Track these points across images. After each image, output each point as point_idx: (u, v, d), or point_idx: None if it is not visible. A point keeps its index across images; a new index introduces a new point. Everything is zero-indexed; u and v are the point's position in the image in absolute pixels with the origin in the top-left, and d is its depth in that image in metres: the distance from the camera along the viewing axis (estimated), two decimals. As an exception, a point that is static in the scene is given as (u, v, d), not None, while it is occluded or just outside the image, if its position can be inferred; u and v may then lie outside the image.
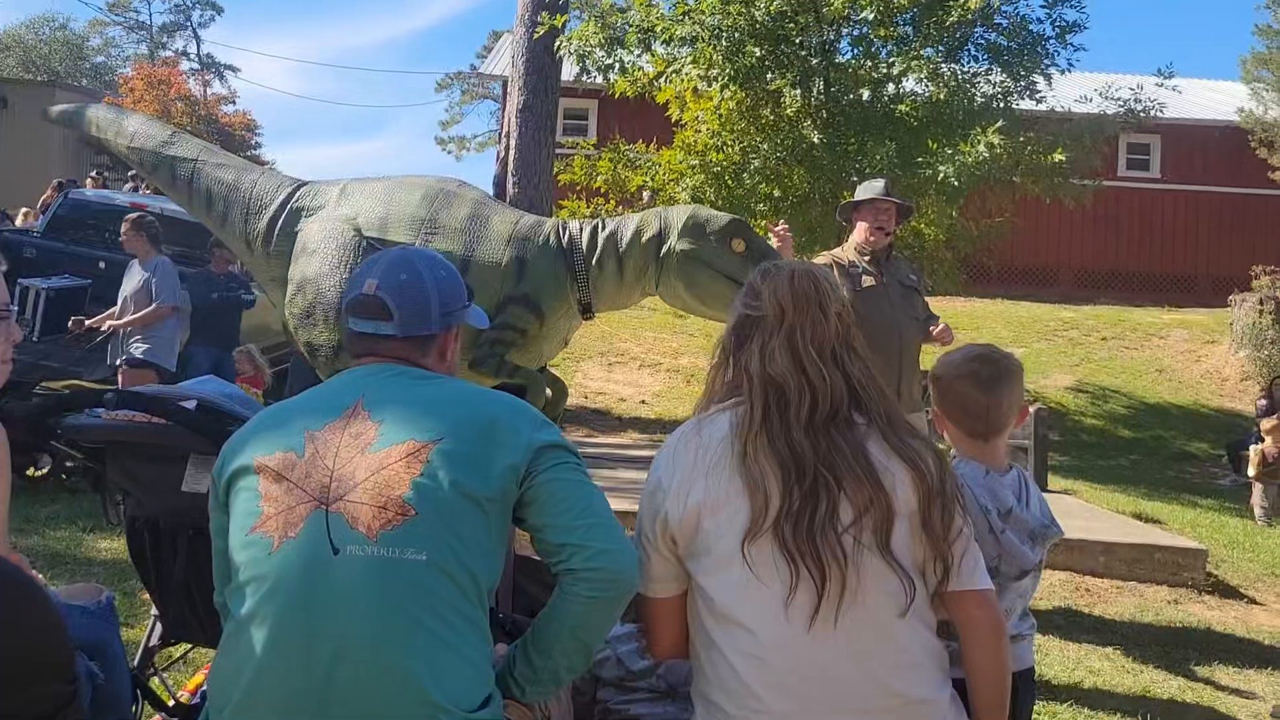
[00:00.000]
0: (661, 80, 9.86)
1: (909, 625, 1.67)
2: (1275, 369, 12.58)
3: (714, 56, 9.06)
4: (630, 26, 9.59)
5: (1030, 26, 9.79)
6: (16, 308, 1.89)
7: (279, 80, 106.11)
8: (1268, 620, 5.32)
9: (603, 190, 10.52)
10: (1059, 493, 7.88)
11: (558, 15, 10.52)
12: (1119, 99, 10.48)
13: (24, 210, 14.17)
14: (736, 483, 1.70)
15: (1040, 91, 9.94)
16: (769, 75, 9.41)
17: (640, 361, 12.48)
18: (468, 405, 1.78)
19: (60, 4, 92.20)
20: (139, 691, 2.32)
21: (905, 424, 1.78)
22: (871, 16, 9.30)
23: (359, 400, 1.76)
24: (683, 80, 9.51)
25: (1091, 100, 10.65)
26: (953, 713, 1.72)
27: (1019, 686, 1.93)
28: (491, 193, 13.11)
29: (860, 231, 4.53)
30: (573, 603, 1.69)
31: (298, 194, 4.92)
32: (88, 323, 7.41)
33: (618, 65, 9.85)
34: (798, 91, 9.27)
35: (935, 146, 8.94)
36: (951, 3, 8.94)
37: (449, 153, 47.50)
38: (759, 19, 9.16)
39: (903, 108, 9.64)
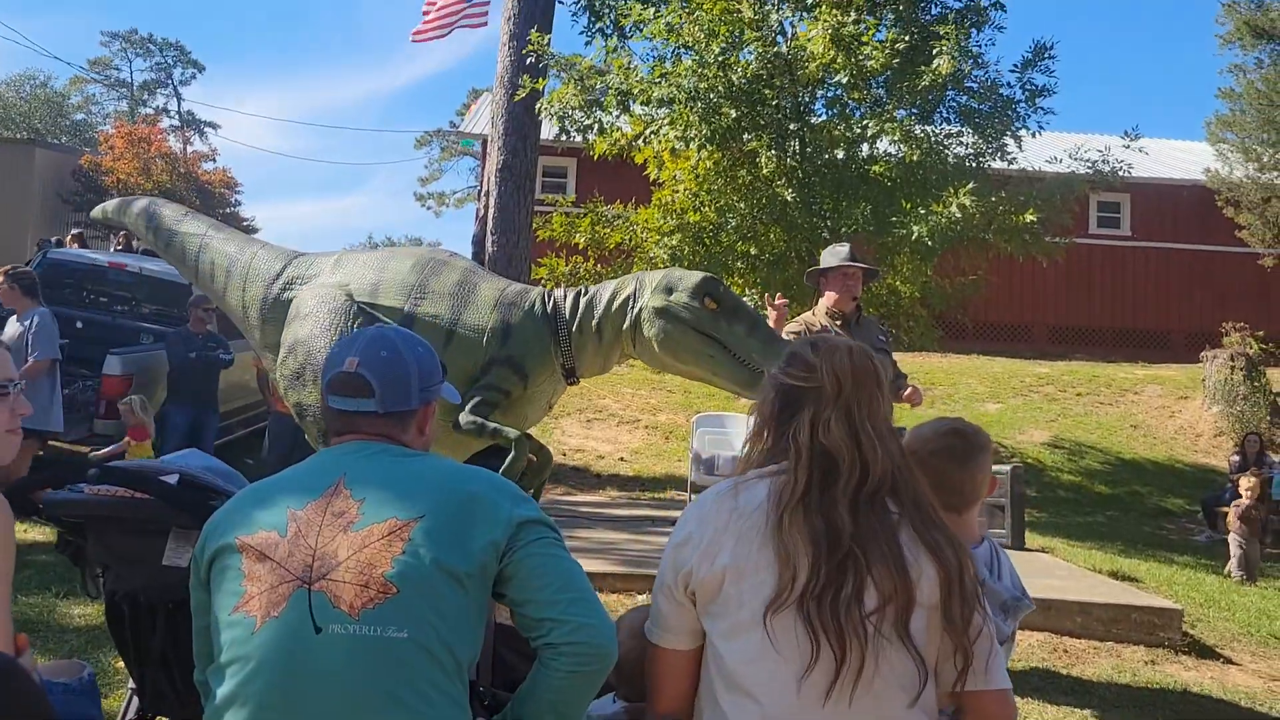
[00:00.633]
0: (639, 141, 10.01)
1: (915, 715, 1.68)
2: (1248, 425, 12.74)
3: (691, 118, 9.22)
4: (609, 89, 9.76)
5: (1001, 90, 10.02)
6: (24, 383, 1.90)
7: (259, 137, 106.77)
8: (1244, 681, 5.34)
9: (580, 247, 10.61)
10: (1036, 551, 7.91)
11: (538, 79, 10.69)
12: (1088, 160, 10.71)
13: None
14: (767, 553, 1.71)
15: (1011, 153, 10.16)
16: (745, 136, 9.59)
17: (619, 418, 12.49)
18: (448, 482, 1.80)
19: (41, 61, 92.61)
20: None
21: (931, 512, 1.79)
22: (845, 80, 9.49)
23: (340, 479, 1.78)
24: (660, 141, 9.67)
25: (1061, 161, 10.88)
26: None
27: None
28: (471, 250, 13.21)
29: (830, 299, 4.62)
30: (553, 677, 1.70)
31: (293, 263, 5.06)
32: None
33: (596, 126, 10.01)
34: (773, 152, 9.43)
35: (909, 206, 9.10)
36: (923, 67, 9.15)
37: (428, 209, 47.82)
38: (735, 81, 9.35)
39: (877, 168, 9.82)
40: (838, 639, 1.64)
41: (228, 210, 33.62)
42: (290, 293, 4.91)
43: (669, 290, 4.53)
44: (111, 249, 12.80)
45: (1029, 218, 9.39)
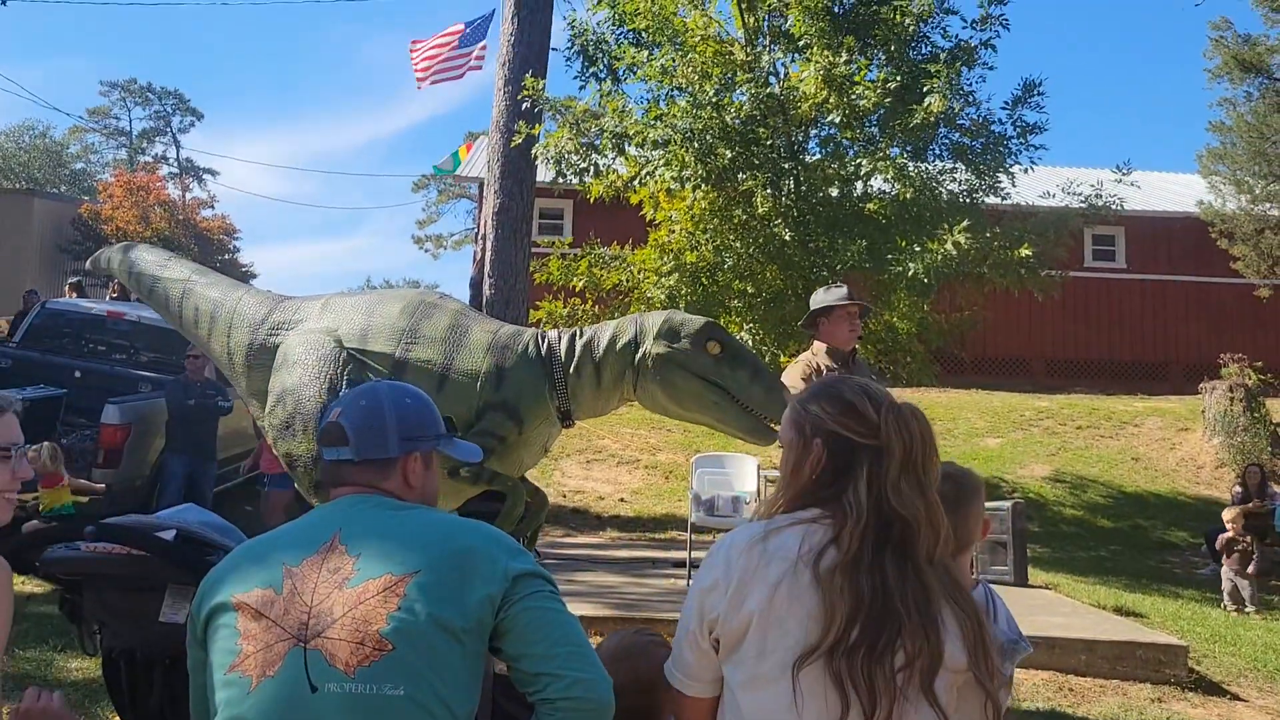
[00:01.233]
0: (635, 182, 10.08)
1: None
2: (1249, 456, 12.71)
3: (686, 158, 9.30)
4: (604, 132, 9.84)
5: (993, 127, 10.12)
6: (28, 446, 1.90)
7: (257, 183, 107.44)
8: (1251, 717, 5.30)
9: (576, 289, 10.65)
10: (1039, 587, 7.87)
11: (534, 124, 10.78)
12: (1081, 194, 10.78)
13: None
14: (799, 605, 1.68)
15: (1004, 188, 10.23)
16: (740, 176, 9.66)
17: (618, 459, 12.46)
18: (443, 536, 1.80)
19: (41, 112, 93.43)
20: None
21: (953, 573, 1.80)
22: (838, 119, 9.59)
23: (336, 534, 1.78)
24: (656, 182, 9.74)
25: (1054, 195, 10.95)
26: None
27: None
28: (469, 293, 13.25)
29: (837, 337, 4.62)
30: None
31: (279, 308, 4.97)
32: None
33: (592, 169, 10.09)
34: (769, 191, 9.50)
35: (904, 243, 9.15)
36: (915, 105, 9.24)
37: (426, 251, 48.03)
38: (729, 122, 9.44)
39: (871, 206, 9.89)
40: (869, 696, 1.63)
41: (226, 256, 33.77)
42: (276, 338, 4.82)
43: (671, 336, 4.51)
44: (107, 297, 12.84)
45: (1024, 252, 9.43)
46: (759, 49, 10.16)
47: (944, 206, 9.79)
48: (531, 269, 11.40)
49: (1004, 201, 10.37)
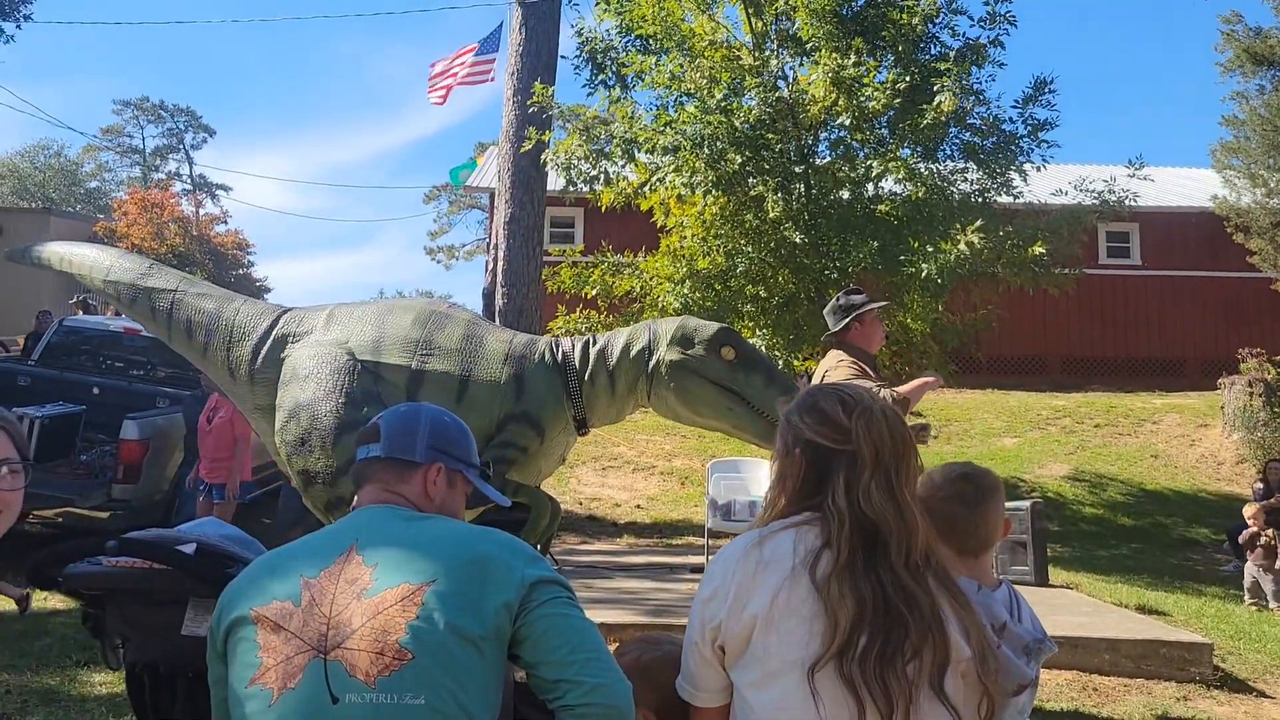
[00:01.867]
0: (645, 188, 10.08)
1: None
2: (1269, 451, 12.61)
3: (696, 164, 9.29)
4: (614, 138, 9.85)
5: (1003, 126, 10.08)
6: (25, 461, 1.91)
7: (270, 198, 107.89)
8: (1278, 714, 5.25)
9: (588, 297, 10.66)
10: (1061, 587, 7.82)
11: (544, 131, 10.81)
12: (1093, 190, 10.73)
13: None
14: (801, 608, 1.71)
15: (1016, 187, 10.19)
16: (750, 180, 9.64)
17: (634, 465, 12.46)
18: (459, 544, 1.80)
19: (55, 132, 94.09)
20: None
21: (948, 573, 1.84)
22: (848, 121, 9.57)
23: (353, 545, 1.79)
24: (666, 188, 9.74)
25: (1066, 193, 10.90)
26: None
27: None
28: (482, 304, 13.27)
29: (873, 341, 4.57)
30: None
31: (281, 320, 4.84)
32: None
33: (602, 176, 10.09)
34: (779, 195, 9.48)
35: (916, 245, 9.13)
36: (925, 106, 9.21)
37: (438, 262, 48.15)
38: (738, 127, 9.43)
39: (883, 207, 9.86)
40: (884, 699, 1.66)
41: (241, 271, 33.93)
42: (282, 351, 4.69)
43: (685, 342, 4.48)
44: (108, 313, 12.92)
45: (1037, 250, 9.40)
46: (767, 53, 10.15)
47: (956, 206, 9.76)
48: (544, 277, 11.42)
49: (1016, 200, 10.32)
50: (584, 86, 10.75)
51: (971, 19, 10.17)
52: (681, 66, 9.82)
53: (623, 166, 10.11)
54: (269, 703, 1.65)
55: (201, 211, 41.29)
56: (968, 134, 10.08)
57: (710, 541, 8.09)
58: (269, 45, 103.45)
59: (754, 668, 1.73)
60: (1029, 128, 10.11)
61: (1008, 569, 7.53)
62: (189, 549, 2.18)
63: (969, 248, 8.74)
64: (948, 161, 10.19)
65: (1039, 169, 10.14)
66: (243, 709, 1.68)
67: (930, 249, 8.94)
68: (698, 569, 7.65)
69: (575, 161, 10.07)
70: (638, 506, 11.21)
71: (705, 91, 9.57)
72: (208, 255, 31.61)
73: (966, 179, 10.10)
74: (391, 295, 57.05)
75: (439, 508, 1.95)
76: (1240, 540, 9.07)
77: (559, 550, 8.67)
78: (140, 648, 2.26)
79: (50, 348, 9.86)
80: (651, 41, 10.26)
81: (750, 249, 9.71)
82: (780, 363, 9.52)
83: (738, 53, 10.20)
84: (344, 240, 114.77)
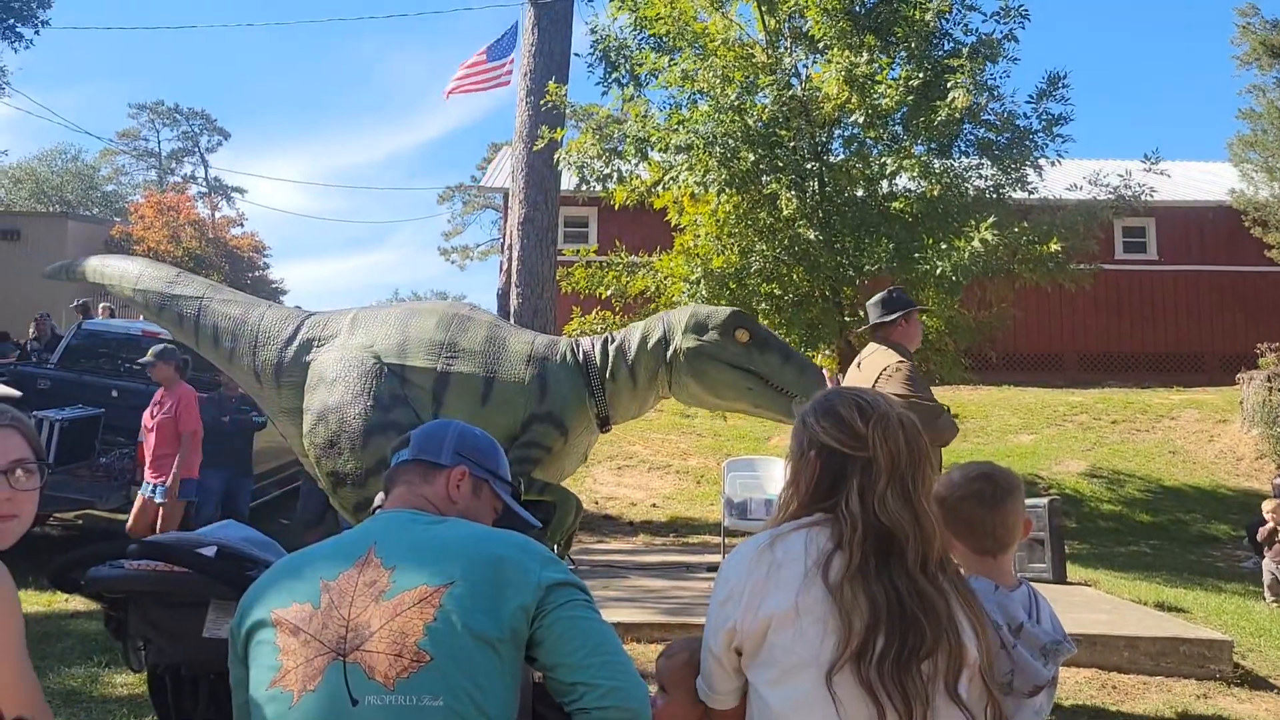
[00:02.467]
0: (659, 187, 10.09)
1: None
2: (1289, 446, 12.53)
3: (709, 163, 9.29)
4: (627, 137, 9.85)
5: (1017, 121, 10.04)
6: (41, 461, 1.92)
7: (285, 200, 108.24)
8: (1301, 711, 5.21)
9: (602, 297, 10.68)
10: (1079, 584, 7.79)
11: (556, 129, 10.82)
12: (1109, 185, 10.67)
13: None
14: (816, 609, 1.73)
15: (1031, 183, 10.14)
16: (764, 178, 9.63)
17: (649, 464, 12.46)
18: (476, 546, 1.82)
19: (72, 136, 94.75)
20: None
21: (956, 571, 1.87)
22: (861, 118, 9.55)
23: (371, 547, 1.81)
24: (680, 187, 9.73)
25: (1082, 188, 10.85)
26: None
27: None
28: (496, 304, 13.30)
29: (916, 338, 4.59)
30: None
31: (306, 324, 4.93)
32: None
33: (616, 175, 10.10)
34: (793, 193, 9.46)
35: (931, 242, 9.10)
36: (939, 102, 9.18)
37: (453, 263, 48.19)
38: (751, 125, 9.42)
39: (897, 204, 9.84)
40: (903, 702, 1.68)
41: (256, 273, 34.09)
42: (307, 355, 4.77)
43: (700, 329, 4.56)
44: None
45: (1053, 247, 9.35)
46: (780, 51, 10.14)
47: (970, 203, 9.73)
48: (558, 277, 11.44)
49: (1031, 196, 10.28)
50: (598, 84, 10.76)
51: (984, 14, 10.16)
52: (694, 65, 9.81)
53: (636, 165, 10.12)
54: (289, 705, 1.66)
55: (217, 214, 41.49)
56: (982, 130, 10.03)
57: (726, 540, 8.09)
58: (282, 48, 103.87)
59: (770, 666, 1.75)
60: (1043, 123, 10.06)
61: (1025, 566, 7.50)
62: (209, 552, 2.20)
63: (983, 245, 8.70)
64: (962, 158, 10.15)
65: (1054, 164, 10.09)
66: (263, 711, 1.69)
67: (944, 246, 8.91)
68: (714, 568, 7.65)
69: (589, 160, 10.08)
70: (653, 505, 11.21)
71: (718, 90, 9.56)
72: (224, 258, 31.77)
73: (981, 175, 10.06)
74: (407, 296, 57.23)
75: (462, 513, 1.97)
76: (1259, 536, 9.01)
77: (575, 549, 8.69)
78: (162, 650, 2.28)
79: (69, 351, 9.94)
80: (665, 40, 10.26)
81: (764, 247, 9.70)
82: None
83: (751, 50, 10.19)
84: (359, 242, 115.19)
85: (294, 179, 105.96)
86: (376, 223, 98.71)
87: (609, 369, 4.64)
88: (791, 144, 9.71)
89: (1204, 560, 10.31)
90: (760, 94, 9.80)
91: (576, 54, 11.98)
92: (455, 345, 4.60)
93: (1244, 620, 7.21)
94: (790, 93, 9.65)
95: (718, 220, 10.11)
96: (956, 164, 10.03)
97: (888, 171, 9.53)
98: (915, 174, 9.43)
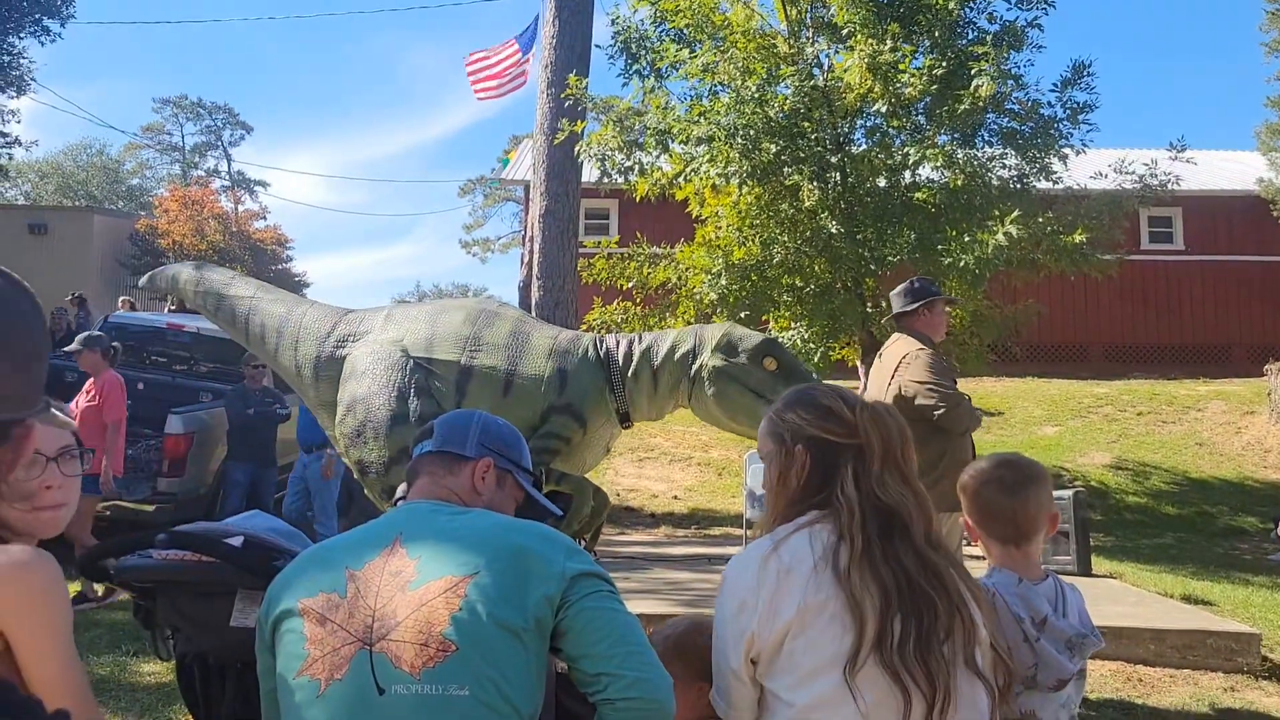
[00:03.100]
0: (680, 179, 10.06)
1: None
2: (1317, 437, 12.39)
3: (731, 154, 9.25)
4: (648, 129, 9.83)
5: (1042, 110, 9.93)
6: (78, 449, 1.95)
7: (307, 193, 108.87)
8: (1330, 704, 5.16)
9: (623, 289, 10.68)
10: (1104, 576, 7.74)
11: (577, 121, 10.81)
12: (1134, 174, 10.56)
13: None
14: (829, 605, 1.73)
15: (1056, 172, 10.03)
16: (786, 170, 9.58)
17: (670, 456, 12.47)
18: (501, 536, 1.82)
19: (97, 130, 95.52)
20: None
21: (951, 550, 1.93)
22: (884, 108, 9.48)
23: (397, 538, 1.82)
24: (701, 178, 9.70)
25: (1107, 177, 10.73)
26: None
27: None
28: (518, 296, 13.33)
29: (940, 329, 4.59)
30: None
31: (343, 321, 5.13)
32: None
33: (637, 167, 10.09)
34: (815, 184, 9.42)
35: (954, 234, 9.03)
36: (962, 91, 9.11)
37: (474, 255, 48.33)
38: (773, 116, 9.37)
39: (920, 195, 9.77)
40: (927, 682, 1.68)
41: (279, 267, 34.27)
42: (343, 350, 4.96)
43: (729, 350, 4.61)
44: (165, 309, 13.10)
45: (1078, 238, 9.27)
46: (802, 41, 10.08)
47: (994, 193, 9.65)
48: (579, 269, 11.44)
49: (1056, 186, 10.18)
50: (619, 76, 10.73)
51: (1009, 1, 10.05)
52: (715, 57, 9.76)
53: (657, 157, 10.09)
54: (316, 694, 1.67)
55: (240, 208, 41.70)
56: (1006, 119, 9.94)
57: (748, 532, 8.08)
58: (304, 42, 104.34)
59: (790, 672, 1.74)
60: (1068, 111, 9.95)
61: (1050, 558, 7.46)
62: (236, 542, 2.22)
63: (1007, 238, 8.63)
64: (985, 148, 10.06)
65: (1079, 152, 9.99)
66: (291, 699, 1.71)
67: (967, 239, 8.84)
68: (736, 559, 7.65)
69: (610, 153, 10.07)
70: (675, 497, 11.22)
71: (739, 82, 9.51)
72: (247, 251, 31.94)
73: (1005, 165, 9.98)
74: (428, 289, 57.42)
75: (486, 504, 1.98)
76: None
77: (599, 542, 8.70)
78: (190, 639, 2.30)
79: (95, 343, 10.00)
80: (686, 31, 10.22)
81: (786, 239, 9.67)
82: (817, 353, 9.48)
83: (772, 41, 10.13)
84: (380, 234, 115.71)
85: (316, 172, 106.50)
86: (398, 216, 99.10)
87: (632, 368, 4.71)
88: (813, 135, 9.65)
89: (1231, 553, 10.22)
90: (782, 85, 9.75)
91: (598, 45, 11.96)
92: (480, 339, 4.71)
93: (1271, 613, 7.15)
94: (812, 83, 9.59)
95: (739, 212, 10.08)
96: (980, 154, 9.95)
97: (910, 162, 9.45)
98: (938, 164, 9.35)
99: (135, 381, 9.24)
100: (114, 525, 7.88)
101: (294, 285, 33.52)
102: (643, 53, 10.65)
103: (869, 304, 9.62)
